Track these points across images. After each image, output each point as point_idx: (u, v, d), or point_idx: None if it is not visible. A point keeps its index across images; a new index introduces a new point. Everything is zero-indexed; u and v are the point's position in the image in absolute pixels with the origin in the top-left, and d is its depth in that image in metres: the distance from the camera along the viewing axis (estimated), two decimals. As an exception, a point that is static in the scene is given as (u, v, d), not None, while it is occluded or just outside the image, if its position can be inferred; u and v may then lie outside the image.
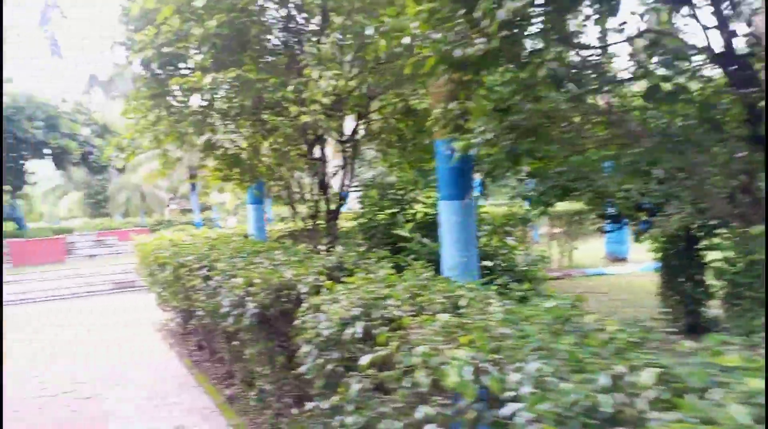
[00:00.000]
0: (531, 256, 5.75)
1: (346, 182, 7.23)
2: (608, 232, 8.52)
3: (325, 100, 4.90)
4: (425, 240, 5.41)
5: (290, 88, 5.34)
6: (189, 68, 6.53)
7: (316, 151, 7.30)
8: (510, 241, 6.63)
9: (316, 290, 3.98)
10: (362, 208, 6.66)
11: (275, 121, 6.97)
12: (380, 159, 9.22)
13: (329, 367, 2.93)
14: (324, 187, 7.05)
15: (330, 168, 7.43)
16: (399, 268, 4.65)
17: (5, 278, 16.03)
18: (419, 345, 2.24)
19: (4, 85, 20.80)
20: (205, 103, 7.18)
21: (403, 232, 5.43)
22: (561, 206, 10.35)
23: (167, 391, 6.46)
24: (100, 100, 34.46)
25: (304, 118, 5.23)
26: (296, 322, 3.58)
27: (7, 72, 21.89)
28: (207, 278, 5.36)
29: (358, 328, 2.67)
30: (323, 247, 7.19)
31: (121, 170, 26.02)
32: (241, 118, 7.00)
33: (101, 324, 10.88)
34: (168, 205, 39.66)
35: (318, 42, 6.16)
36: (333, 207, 7.26)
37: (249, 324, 3.95)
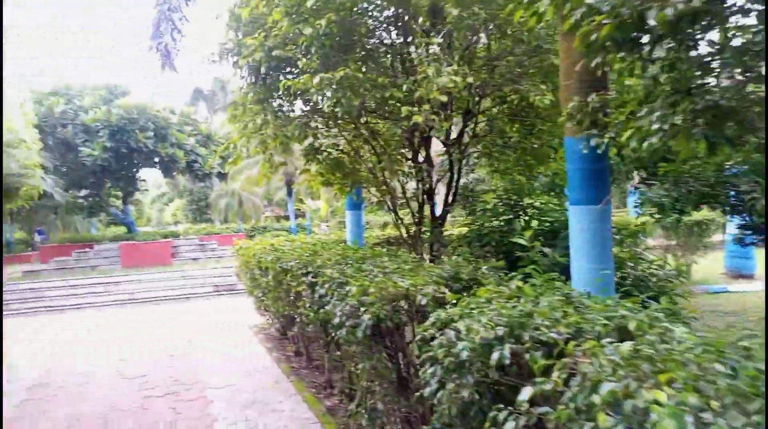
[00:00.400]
0: (666, 270, 5.08)
1: (453, 187, 6.85)
2: (750, 244, 7.55)
3: (443, 98, 4.57)
4: (547, 249, 4.90)
5: (404, 86, 5.06)
6: (293, 73, 6.45)
7: (420, 155, 6.99)
8: (634, 251, 5.96)
9: (438, 303, 3.62)
10: (470, 214, 6.24)
11: (380, 124, 6.75)
12: (482, 164, 8.74)
13: (464, 393, 2.55)
14: (430, 192, 6.71)
15: (434, 172, 7.07)
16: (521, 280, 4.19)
17: (115, 279, 17.03)
18: (597, 380, 1.81)
19: (123, 98, 22.36)
20: (308, 108, 7.10)
21: (522, 241, 4.95)
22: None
23: (268, 398, 6.35)
24: (203, 111, 36.41)
25: (417, 118, 4.92)
26: (417, 337, 3.24)
27: (125, 84, 23.54)
28: (312, 285, 5.16)
29: (506, 351, 2.26)
30: (428, 255, 6.84)
31: (223, 178, 27.18)
32: (344, 122, 6.83)
33: (204, 326, 11.15)
34: (263, 212, 41.15)
35: (428, 38, 5.85)
36: (438, 213, 6.91)
37: (362, 336, 3.65)
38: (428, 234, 6.83)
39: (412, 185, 7.32)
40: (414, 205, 7.07)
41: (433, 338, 3.16)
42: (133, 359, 8.44)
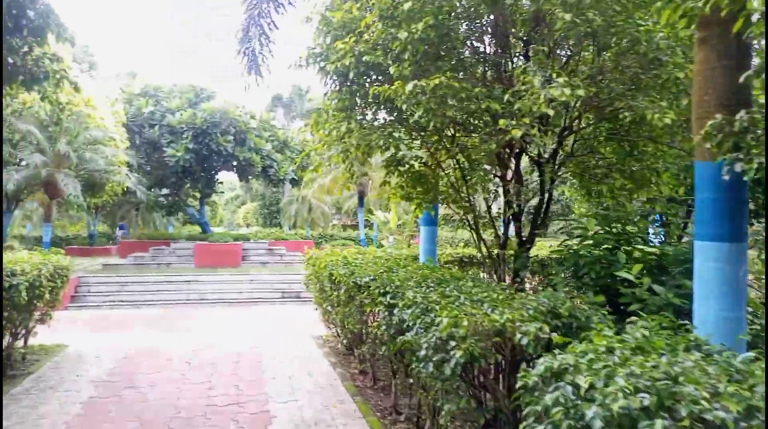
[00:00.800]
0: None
1: (542, 209, 6.33)
2: None
3: (550, 111, 4.11)
4: (658, 287, 4.31)
5: (506, 96, 4.64)
6: (379, 81, 6.17)
7: (508, 173, 6.52)
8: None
9: (540, 344, 3.16)
10: (565, 239, 5.70)
11: (470, 137, 6.34)
12: (574, 185, 8.13)
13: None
14: (518, 212, 6.22)
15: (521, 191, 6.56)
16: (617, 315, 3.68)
17: (188, 278, 17.40)
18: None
19: (209, 101, 23.10)
20: (391, 117, 6.80)
21: (628, 276, 4.38)
22: None
23: (332, 419, 6.03)
24: (280, 118, 37.23)
25: (515, 132, 4.48)
26: (518, 383, 2.80)
27: (211, 88, 24.32)
28: (391, 307, 4.79)
29: (660, 430, 1.79)
30: (510, 281, 6.34)
31: (295, 184, 27.55)
32: (428, 134, 6.49)
33: (270, 333, 11.04)
34: (331, 220, 41.52)
35: (530, 47, 5.42)
36: (525, 235, 6.40)
37: (450, 374, 3.24)
38: (513, 257, 6.33)
39: (499, 204, 6.86)
40: (498, 224, 6.60)
41: (535, 387, 2.72)
42: (200, 363, 8.37)
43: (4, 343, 7.20)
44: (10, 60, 7.11)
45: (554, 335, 3.08)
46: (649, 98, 4.70)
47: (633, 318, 2.99)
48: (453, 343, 3.27)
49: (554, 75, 4.47)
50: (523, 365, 3.58)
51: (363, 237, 28.58)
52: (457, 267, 11.14)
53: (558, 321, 3.70)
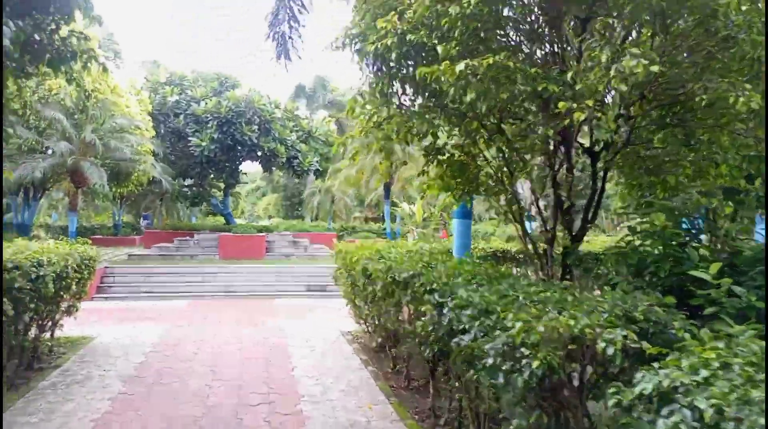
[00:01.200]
0: None
1: (594, 201, 5.90)
2: None
3: (623, 87, 3.70)
4: (738, 289, 3.88)
5: (569, 75, 4.23)
6: (420, 63, 5.78)
7: (556, 163, 6.09)
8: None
9: (626, 354, 2.77)
10: (629, 234, 5.25)
11: (512, 126, 5.95)
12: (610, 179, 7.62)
13: None
14: (569, 206, 5.79)
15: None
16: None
17: (213, 270, 17.26)
18: None
19: (234, 90, 22.88)
20: (430, 103, 6.41)
21: (704, 276, 3.96)
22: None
23: (368, 422, 5.73)
24: (302, 108, 36.95)
25: (578, 116, 4.08)
26: (610, 402, 2.42)
27: (236, 76, 24.11)
28: (440, 305, 4.43)
29: None
30: (558, 278, 5.93)
31: (320, 175, 27.23)
32: (469, 120, 6.08)
33: (298, 328, 10.79)
34: (353, 213, 41.25)
35: (583, 25, 4.99)
36: (575, 229, 5.97)
37: (522, 386, 2.87)
38: (562, 253, 5.92)
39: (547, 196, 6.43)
40: (545, 218, 6.19)
41: (631, 407, 2.35)
42: (229, 359, 8.14)
43: (31, 335, 7.01)
44: (37, 37, 6.90)
45: (645, 344, 2.69)
46: (727, 80, 4.23)
47: (741, 327, 2.59)
48: (524, 351, 2.90)
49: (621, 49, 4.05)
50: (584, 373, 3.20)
51: (389, 229, 28.16)
52: (494, 262, 10.73)
53: (634, 326, 3.30)
